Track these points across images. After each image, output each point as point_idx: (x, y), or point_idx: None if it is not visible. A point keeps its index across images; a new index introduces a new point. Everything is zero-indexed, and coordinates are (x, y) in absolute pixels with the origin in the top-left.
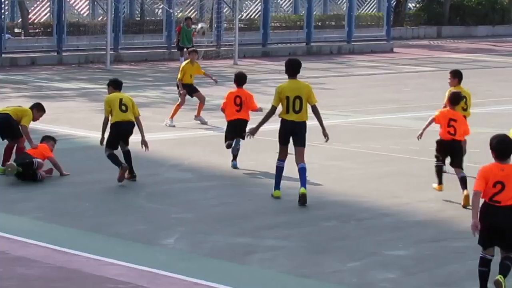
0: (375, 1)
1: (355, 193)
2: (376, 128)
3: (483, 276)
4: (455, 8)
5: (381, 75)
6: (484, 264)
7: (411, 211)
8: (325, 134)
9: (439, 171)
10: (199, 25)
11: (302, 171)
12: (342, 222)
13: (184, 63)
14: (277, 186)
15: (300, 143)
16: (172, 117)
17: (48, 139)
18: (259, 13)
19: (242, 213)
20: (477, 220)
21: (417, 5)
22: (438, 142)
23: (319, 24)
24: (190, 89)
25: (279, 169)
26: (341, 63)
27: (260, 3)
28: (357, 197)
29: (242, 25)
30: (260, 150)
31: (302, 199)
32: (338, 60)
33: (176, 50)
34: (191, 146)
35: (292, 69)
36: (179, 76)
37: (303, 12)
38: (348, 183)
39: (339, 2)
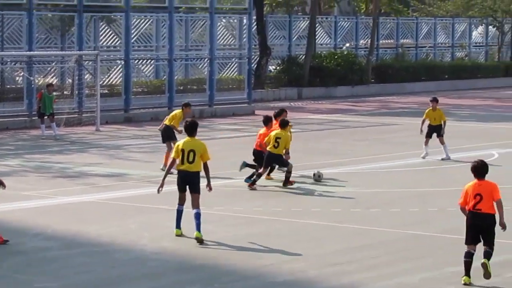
0: (236, 64)
1: (220, 255)
2: (239, 191)
3: (467, 265)
4: (315, 70)
5: (243, 138)
6: (468, 256)
7: (275, 272)
8: (210, 187)
9: None
10: None
11: (196, 216)
12: (205, 285)
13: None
14: (177, 226)
15: (194, 190)
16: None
17: None
18: (121, 78)
19: (107, 280)
20: None
21: (278, 68)
22: None
23: (181, 88)
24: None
25: (178, 212)
26: (203, 127)
27: (121, 69)
28: (222, 260)
29: (104, 91)
30: (123, 216)
31: (198, 241)
32: (200, 124)
33: (37, 117)
34: (55, 214)
35: (190, 129)
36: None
37: (164, 76)
38: (214, 246)
39: (200, 66)
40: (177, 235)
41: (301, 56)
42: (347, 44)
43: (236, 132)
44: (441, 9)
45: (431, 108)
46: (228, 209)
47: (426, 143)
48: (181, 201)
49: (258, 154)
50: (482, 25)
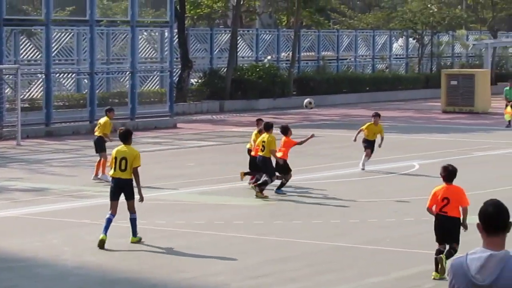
0: (158, 77)
1: (142, 269)
2: (161, 204)
3: (437, 262)
4: (236, 83)
5: (165, 151)
6: (438, 253)
7: (197, 285)
8: (140, 197)
9: None
10: None
11: (132, 221)
12: None
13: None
14: (104, 231)
15: (128, 197)
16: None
17: None
18: (42, 92)
19: None
20: None
21: (199, 81)
22: None
23: (103, 102)
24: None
25: (107, 220)
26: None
27: (42, 83)
28: (145, 273)
29: (25, 105)
30: (45, 231)
31: (133, 241)
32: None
33: None
34: None
35: (122, 137)
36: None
37: (86, 90)
38: (136, 260)
39: (121, 80)
40: (101, 239)
41: (223, 69)
42: (269, 57)
43: (158, 146)
44: (362, 22)
45: (372, 122)
46: (150, 222)
47: (368, 155)
48: (112, 211)
49: (278, 163)
50: (402, 37)
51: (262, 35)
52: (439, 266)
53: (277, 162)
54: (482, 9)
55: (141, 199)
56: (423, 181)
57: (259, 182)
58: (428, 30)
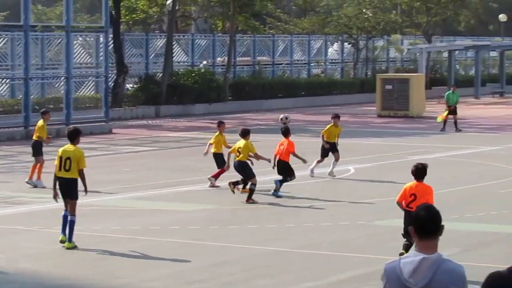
0: (93, 83)
1: (79, 275)
2: (97, 210)
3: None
4: (172, 88)
5: (101, 157)
6: (406, 248)
7: None
8: (86, 191)
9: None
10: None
11: (70, 223)
12: None
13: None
14: (62, 231)
15: (71, 197)
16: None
17: None
18: None
19: None
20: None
21: (135, 86)
22: None
23: (37, 107)
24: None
25: (63, 217)
26: (60, 146)
27: None
28: (81, 280)
29: None
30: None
31: (68, 247)
32: (57, 143)
33: None
34: None
35: (69, 136)
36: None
37: (20, 96)
38: (68, 265)
39: (56, 85)
40: (61, 241)
41: (158, 74)
42: (204, 62)
43: (94, 151)
44: (298, 27)
45: (333, 124)
46: (86, 228)
47: (321, 161)
48: (65, 206)
49: (279, 164)
50: (337, 42)
51: (197, 40)
52: None
53: (283, 164)
54: (416, 14)
55: (86, 193)
56: (358, 185)
57: (248, 194)
58: (363, 34)
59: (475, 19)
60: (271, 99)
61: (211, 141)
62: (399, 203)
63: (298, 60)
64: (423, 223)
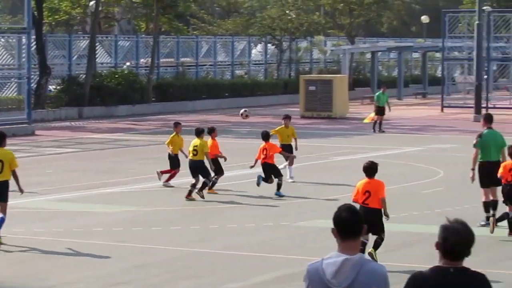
0: (15, 84)
1: (1, 279)
2: (20, 212)
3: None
4: (95, 89)
5: (24, 158)
6: (362, 245)
7: None
8: (21, 190)
9: None
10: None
11: (0, 220)
12: None
13: None
14: None
15: (2, 200)
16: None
17: None
18: None
19: None
20: None
21: (58, 87)
22: None
23: None
24: None
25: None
26: None
27: None
28: (3, 284)
29: None
30: None
31: None
32: None
33: None
34: None
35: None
36: None
37: None
38: None
39: None
40: None
41: (81, 76)
42: (128, 63)
43: (16, 153)
44: (221, 28)
45: (283, 125)
46: (8, 230)
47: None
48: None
49: (265, 166)
50: (261, 43)
51: (121, 41)
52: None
53: (268, 165)
54: (339, 16)
55: (22, 192)
56: (282, 186)
57: (200, 187)
58: (286, 36)
59: (398, 20)
60: (194, 100)
61: (167, 141)
62: (354, 202)
63: (221, 62)
64: (345, 224)
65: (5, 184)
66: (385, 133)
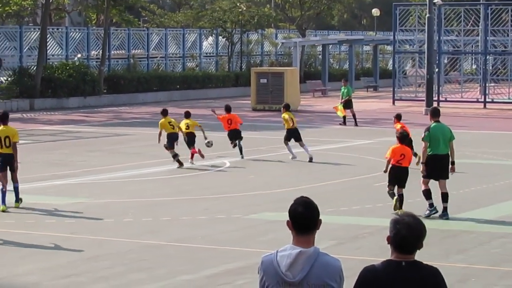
0: None
1: None
2: None
3: (392, 196)
4: (46, 81)
5: None
6: (393, 195)
7: (7, 285)
8: (16, 165)
9: None
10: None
11: (15, 189)
12: None
13: None
14: (2, 202)
15: (13, 169)
16: None
17: None
18: None
19: None
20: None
21: (9, 79)
22: None
23: None
24: None
25: (2, 192)
26: None
27: None
28: None
29: None
30: None
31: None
32: None
33: None
34: None
35: (1, 119)
36: None
37: None
38: None
39: None
40: (2, 211)
41: (32, 67)
42: (79, 55)
43: None
44: (172, 20)
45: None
46: None
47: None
48: (3, 182)
49: (235, 133)
50: (212, 36)
51: (71, 33)
52: (396, 204)
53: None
54: (290, 8)
55: (16, 167)
56: (233, 178)
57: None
58: (237, 28)
59: (349, 13)
60: (146, 92)
61: (177, 129)
62: (389, 160)
63: (172, 54)
64: (301, 218)
65: (13, 156)
66: (337, 126)
